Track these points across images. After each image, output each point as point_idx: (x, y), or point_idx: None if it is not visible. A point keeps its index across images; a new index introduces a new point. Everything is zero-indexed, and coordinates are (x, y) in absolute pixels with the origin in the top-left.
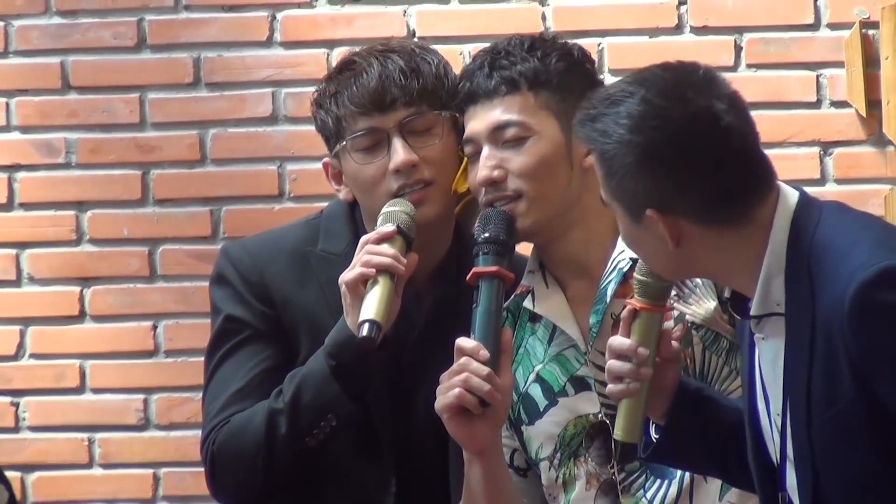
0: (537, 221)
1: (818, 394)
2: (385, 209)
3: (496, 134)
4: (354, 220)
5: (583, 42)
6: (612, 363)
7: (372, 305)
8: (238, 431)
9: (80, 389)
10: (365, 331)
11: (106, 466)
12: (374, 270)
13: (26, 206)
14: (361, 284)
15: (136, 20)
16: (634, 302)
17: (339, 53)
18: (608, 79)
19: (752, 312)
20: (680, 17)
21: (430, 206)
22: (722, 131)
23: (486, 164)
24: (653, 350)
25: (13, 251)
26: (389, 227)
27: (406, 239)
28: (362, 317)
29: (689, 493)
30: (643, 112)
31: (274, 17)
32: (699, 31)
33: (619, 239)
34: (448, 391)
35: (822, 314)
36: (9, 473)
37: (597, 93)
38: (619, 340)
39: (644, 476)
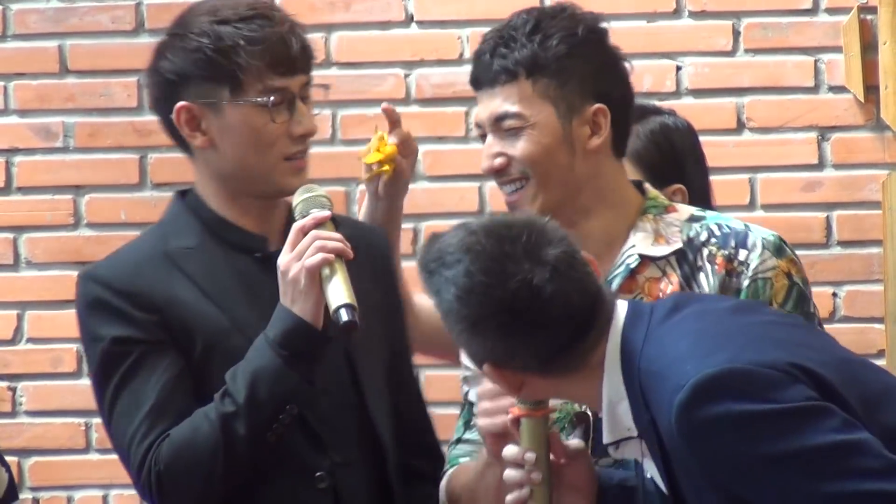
0: (545, 206)
1: (686, 493)
2: (305, 195)
3: (497, 123)
4: (194, 212)
5: None
6: (507, 472)
7: (341, 290)
8: (185, 445)
9: (77, 374)
10: (347, 316)
11: (102, 451)
12: (333, 256)
13: (24, 189)
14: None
15: (134, 4)
16: (514, 410)
17: (337, 38)
18: None
19: (604, 441)
20: (678, 1)
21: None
22: (542, 303)
23: (488, 154)
24: (543, 453)
25: (11, 235)
26: (325, 213)
27: (335, 223)
28: (338, 302)
29: None
30: (466, 286)
31: (272, 1)
32: (697, 15)
33: (631, 232)
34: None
35: (665, 439)
36: (6, 458)
37: (434, 243)
38: (508, 449)
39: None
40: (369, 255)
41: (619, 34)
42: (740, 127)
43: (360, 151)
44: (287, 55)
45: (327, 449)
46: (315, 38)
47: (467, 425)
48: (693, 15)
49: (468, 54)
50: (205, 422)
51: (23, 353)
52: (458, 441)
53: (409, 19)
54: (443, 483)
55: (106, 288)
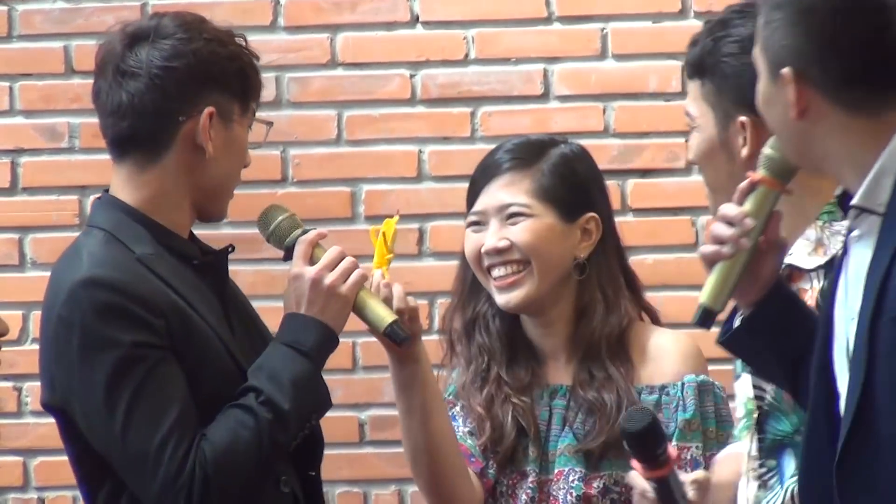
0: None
1: (893, 291)
2: (282, 214)
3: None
4: (134, 219)
5: (585, 27)
6: (716, 225)
7: (382, 307)
8: (228, 450)
9: None
10: (404, 332)
11: None
12: (365, 276)
13: (29, 190)
14: None
15: (140, 5)
16: (755, 174)
17: (342, 38)
18: (614, 64)
19: (853, 202)
20: (683, 1)
21: None
22: (885, 14)
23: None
24: (759, 226)
25: (16, 235)
26: (320, 230)
27: None
28: (389, 319)
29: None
30: None
31: (277, 2)
32: (703, 15)
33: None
34: None
35: None
36: (12, 458)
37: None
38: (729, 206)
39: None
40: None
41: (624, 34)
42: None
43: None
44: (262, 85)
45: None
46: (321, 39)
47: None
48: (698, 15)
49: (473, 55)
50: (243, 428)
51: (28, 353)
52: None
53: (415, 20)
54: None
55: (119, 293)
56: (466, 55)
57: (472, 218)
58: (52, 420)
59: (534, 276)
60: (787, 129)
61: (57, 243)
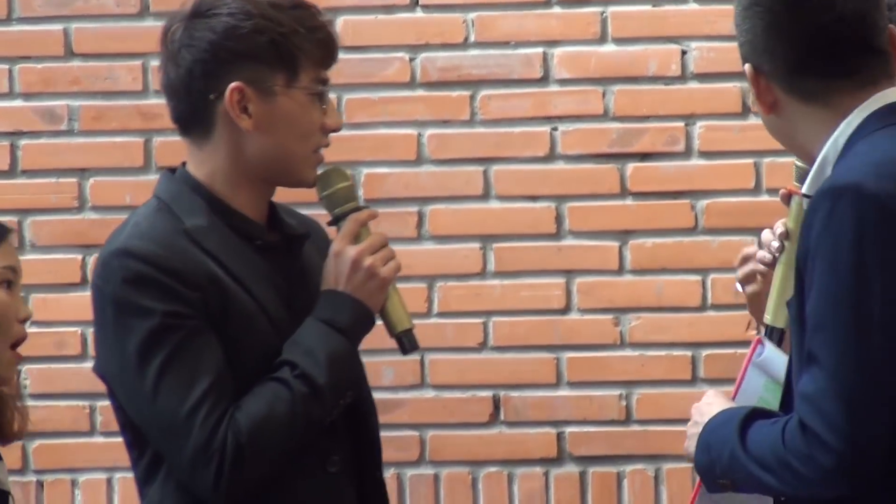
0: None
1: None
2: (347, 187)
3: None
4: (196, 192)
5: (585, 10)
6: (759, 252)
7: (404, 311)
8: (264, 421)
9: (81, 357)
10: (415, 344)
11: (107, 434)
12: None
13: (29, 173)
14: None
15: None
16: (790, 186)
17: (342, 21)
18: (613, 48)
19: (803, 190)
20: None
21: None
22: (819, 4)
23: None
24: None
25: (15, 218)
26: (371, 210)
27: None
28: (408, 325)
29: None
30: None
31: None
32: (702, 0)
33: None
34: None
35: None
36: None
37: None
38: (765, 232)
39: None
40: (315, 240)
41: (624, 18)
42: (746, 111)
43: None
44: (334, 47)
45: (339, 433)
46: None
47: None
48: None
49: (473, 38)
50: (278, 401)
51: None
52: None
53: (415, 3)
54: None
55: (150, 265)
56: (466, 38)
57: None
58: (50, 403)
59: None
60: (768, 126)
61: (56, 226)
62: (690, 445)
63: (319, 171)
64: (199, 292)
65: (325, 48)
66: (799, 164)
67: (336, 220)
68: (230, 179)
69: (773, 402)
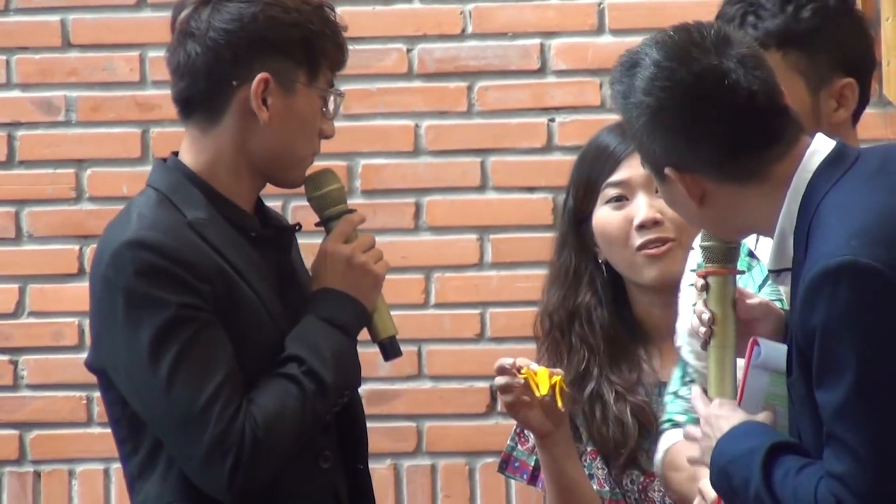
0: None
1: (792, 352)
2: (338, 189)
3: None
4: (193, 183)
5: (582, 1)
6: (692, 342)
7: (391, 320)
8: (277, 416)
9: (78, 347)
10: (398, 351)
11: (104, 424)
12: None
13: (26, 163)
14: None
15: None
16: (702, 271)
17: (339, 12)
18: (611, 39)
19: (768, 267)
20: None
21: None
22: (726, 89)
23: None
24: (730, 313)
25: (12, 209)
26: (359, 214)
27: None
28: (392, 332)
29: None
30: (653, 74)
31: None
32: None
33: None
34: None
35: (800, 287)
36: (8, 431)
37: (622, 55)
38: (699, 307)
39: None
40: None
41: (621, 9)
42: None
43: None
44: (346, 53)
45: (331, 430)
46: None
47: (683, 380)
48: None
49: (470, 29)
50: (289, 396)
51: (24, 326)
52: (676, 395)
53: None
54: (664, 447)
55: (163, 257)
56: (463, 29)
57: (615, 191)
58: (47, 394)
59: (681, 251)
60: (700, 218)
61: (53, 217)
62: (702, 458)
63: (308, 172)
64: (209, 285)
65: (342, 53)
66: (705, 243)
67: (326, 221)
68: (230, 168)
69: (780, 393)
